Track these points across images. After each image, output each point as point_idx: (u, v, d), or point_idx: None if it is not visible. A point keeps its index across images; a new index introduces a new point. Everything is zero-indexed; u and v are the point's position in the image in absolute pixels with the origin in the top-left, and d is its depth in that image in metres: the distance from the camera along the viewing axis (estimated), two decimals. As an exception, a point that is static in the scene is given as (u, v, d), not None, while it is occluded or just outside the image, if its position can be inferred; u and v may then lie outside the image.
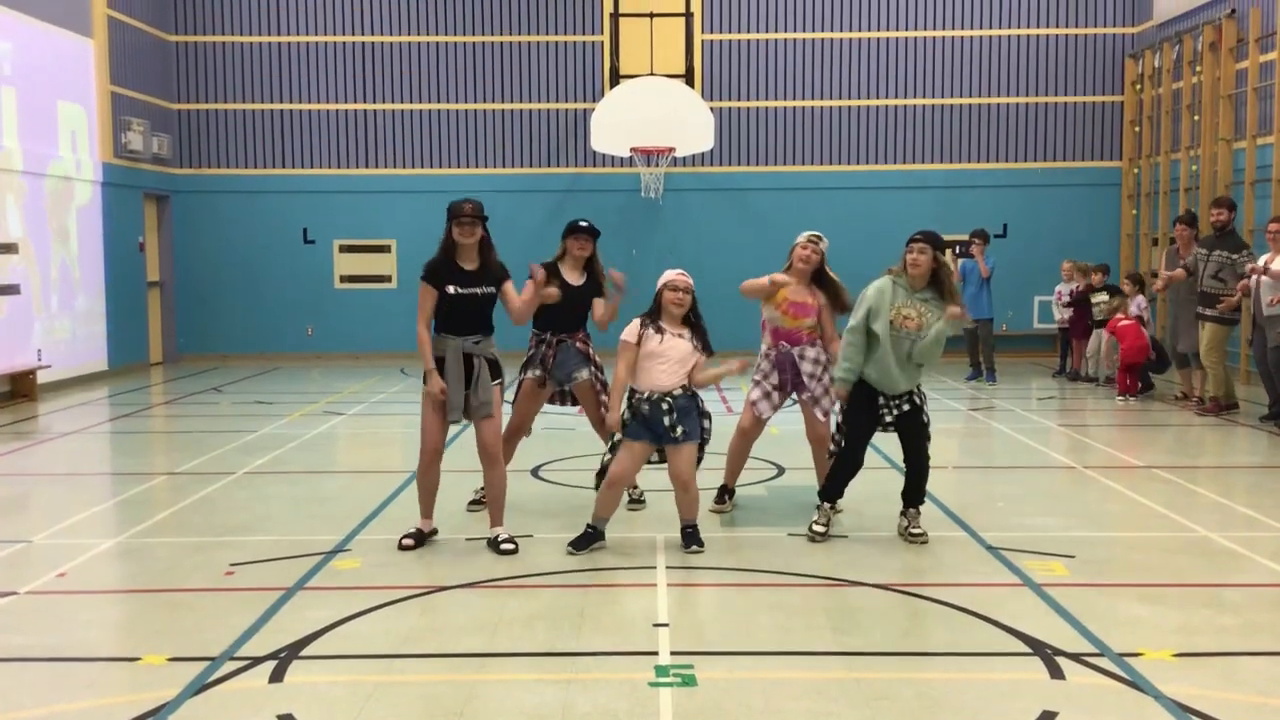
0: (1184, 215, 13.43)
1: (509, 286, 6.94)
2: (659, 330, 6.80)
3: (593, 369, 7.72)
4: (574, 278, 7.68)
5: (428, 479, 7.00)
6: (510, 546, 6.85)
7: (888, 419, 6.97)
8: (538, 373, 7.73)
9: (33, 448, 11.13)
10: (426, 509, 7.06)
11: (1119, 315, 14.05)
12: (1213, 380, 12.22)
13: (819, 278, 7.54)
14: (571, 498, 8.28)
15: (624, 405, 6.83)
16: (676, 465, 6.82)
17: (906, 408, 6.96)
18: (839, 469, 7.14)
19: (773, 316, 7.53)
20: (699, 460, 6.94)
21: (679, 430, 6.72)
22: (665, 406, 6.71)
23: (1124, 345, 13.65)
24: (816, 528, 7.11)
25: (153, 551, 7.06)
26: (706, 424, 6.91)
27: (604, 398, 7.59)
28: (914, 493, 7.15)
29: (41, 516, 8.04)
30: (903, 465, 7.19)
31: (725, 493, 7.93)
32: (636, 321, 6.88)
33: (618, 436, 6.85)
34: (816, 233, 7.60)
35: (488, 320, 6.91)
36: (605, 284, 7.68)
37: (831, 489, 7.18)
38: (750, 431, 7.76)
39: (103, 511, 8.22)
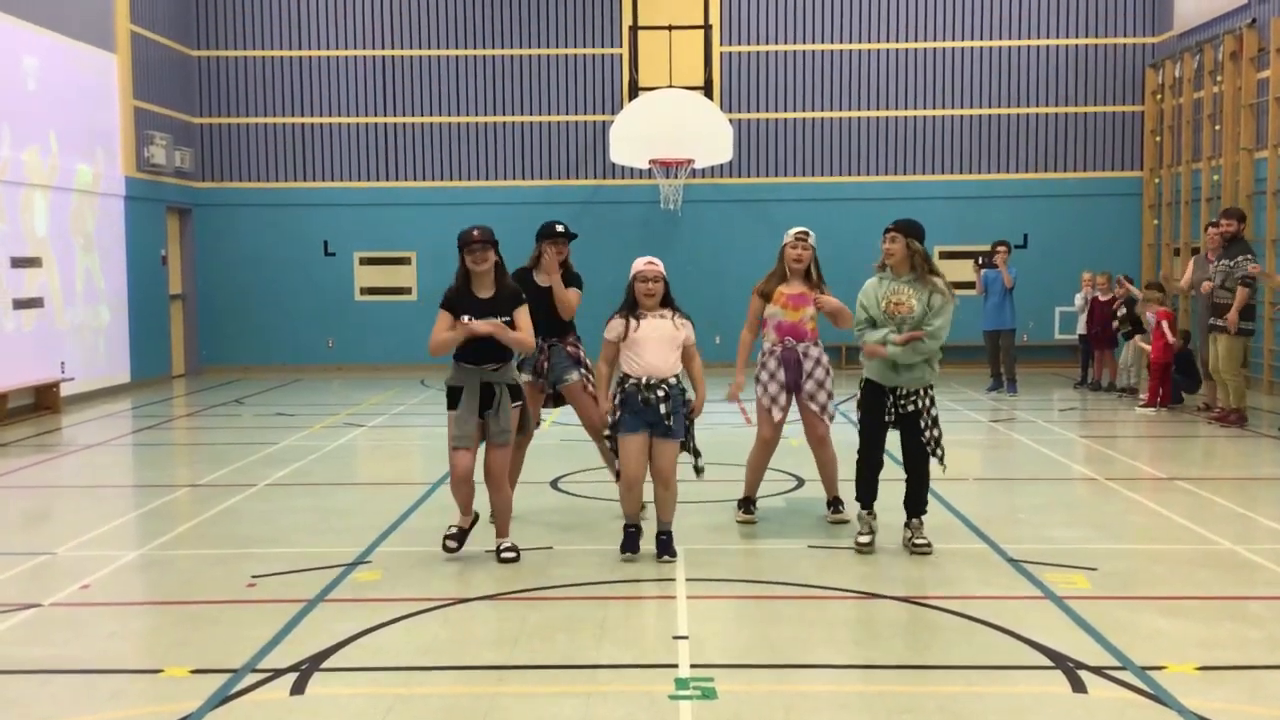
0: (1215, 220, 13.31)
1: (521, 314, 6.82)
2: (637, 319, 6.83)
3: (582, 370, 7.78)
4: (544, 279, 7.69)
5: (460, 492, 6.96)
6: (511, 555, 6.86)
7: (889, 418, 6.98)
8: (534, 377, 7.75)
9: (56, 460, 11.20)
10: (465, 507, 6.98)
11: (1162, 310, 13.79)
12: (1233, 392, 12.14)
13: (809, 275, 7.66)
14: (590, 510, 8.29)
15: (614, 395, 6.85)
16: (659, 461, 6.82)
17: (911, 408, 6.95)
18: (859, 471, 7.15)
19: (774, 313, 7.64)
20: (698, 470, 6.94)
21: (670, 420, 6.70)
22: (662, 393, 6.71)
23: (1156, 340, 13.52)
24: (861, 539, 7.08)
25: (175, 563, 7.09)
26: (692, 439, 6.90)
27: (592, 390, 7.59)
28: (914, 502, 7.12)
29: (65, 529, 8.09)
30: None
31: (749, 503, 7.94)
32: (618, 319, 6.87)
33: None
34: (803, 229, 7.69)
35: (506, 347, 6.83)
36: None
37: (861, 493, 7.16)
38: (771, 441, 7.78)
39: (126, 524, 8.26)
